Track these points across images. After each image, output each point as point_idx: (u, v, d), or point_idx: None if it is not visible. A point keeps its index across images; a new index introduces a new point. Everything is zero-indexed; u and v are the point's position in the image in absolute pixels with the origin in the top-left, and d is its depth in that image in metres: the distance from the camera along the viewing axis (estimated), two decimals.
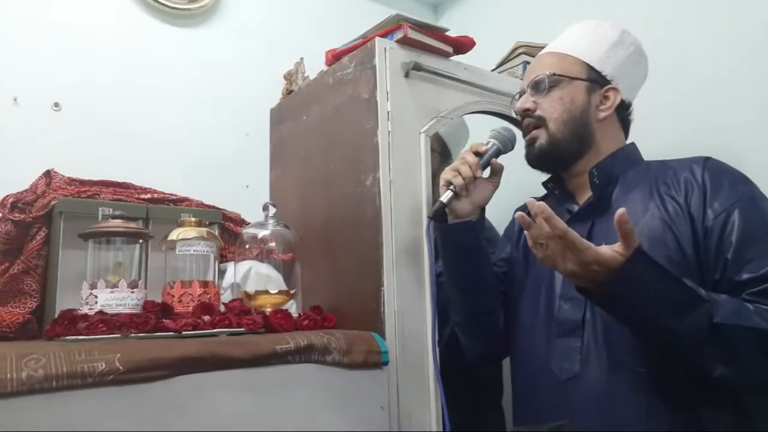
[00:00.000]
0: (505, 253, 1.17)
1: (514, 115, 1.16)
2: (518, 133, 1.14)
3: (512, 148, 1.12)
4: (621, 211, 0.76)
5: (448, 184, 1.07)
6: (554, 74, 1.02)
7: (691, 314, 0.78)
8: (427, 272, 1.17)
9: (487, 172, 1.11)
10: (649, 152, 1.08)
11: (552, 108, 1.02)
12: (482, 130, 1.50)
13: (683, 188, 0.92)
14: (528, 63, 1.48)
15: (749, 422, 0.85)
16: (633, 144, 1.08)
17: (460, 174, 1.06)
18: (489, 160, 1.10)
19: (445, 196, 1.07)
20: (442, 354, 1.13)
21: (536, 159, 1.05)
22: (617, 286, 0.79)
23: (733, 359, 0.78)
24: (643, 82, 1.11)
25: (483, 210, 1.13)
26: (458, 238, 1.09)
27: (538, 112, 1.03)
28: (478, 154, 1.09)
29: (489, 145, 1.10)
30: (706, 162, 0.95)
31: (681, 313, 0.78)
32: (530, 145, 1.05)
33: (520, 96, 1.08)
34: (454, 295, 1.14)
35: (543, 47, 1.49)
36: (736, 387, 0.82)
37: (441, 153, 1.51)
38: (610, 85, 1.03)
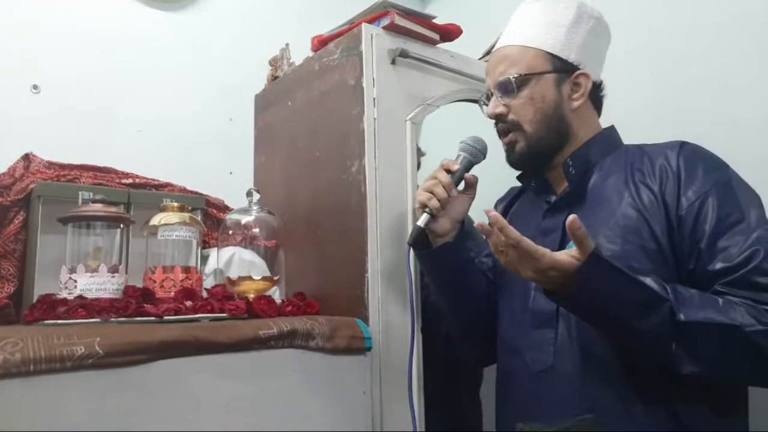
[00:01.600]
0: (488, 248, 1.17)
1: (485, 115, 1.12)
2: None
3: (484, 158, 1.09)
4: (572, 217, 0.75)
5: (423, 206, 1.04)
6: (521, 75, 0.97)
7: (652, 314, 0.78)
8: (411, 260, 1.17)
9: (461, 185, 1.08)
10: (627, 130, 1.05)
11: (524, 110, 0.98)
12: (468, 118, 1.50)
13: (658, 176, 0.90)
14: None
15: (726, 417, 0.85)
16: (611, 128, 1.04)
17: (434, 195, 1.03)
18: (462, 176, 1.07)
19: (422, 220, 1.04)
20: (439, 349, 1.13)
21: (518, 163, 1.03)
22: (575, 289, 0.79)
23: (700, 356, 0.78)
24: (606, 51, 1.05)
25: (462, 221, 1.11)
26: (439, 263, 1.08)
27: (510, 116, 1.00)
28: (449, 171, 1.05)
29: (460, 160, 1.06)
30: (681, 148, 0.92)
31: (642, 313, 0.78)
32: (510, 149, 1.02)
33: (488, 97, 1.04)
34: (447, 312, 1.13)
35: None
36: (707, 383, 0.82)
37: None
38: (578, 71, 0.98)
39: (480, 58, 1.53)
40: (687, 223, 0.86)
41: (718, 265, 0.82)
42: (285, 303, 1.15)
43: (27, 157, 1.31)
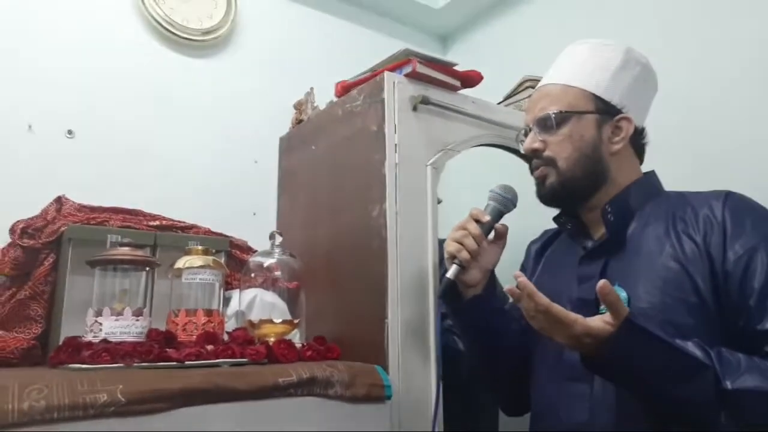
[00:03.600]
0: None
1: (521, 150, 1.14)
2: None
3: (514, 207, 1.07)
4: (601, 282, 0.73)
5: (453, 257, 1.01)
6: (561, 111, 0.96)
7: (693, 381, 0.74)
8: (431, 306, 1.17)
9: (491, 235, 1.06)
10: (664, 177, 1.03)
11: (561, 148, 0.96)
12: (489, 162, 1.51)
13: (702, 226, 0.87)
14: None
15: None
16: (652, 173, 1.02)
17: (465, 247, 1.00)
18: (492, 226, 1.04)
19: (452, 272, 1.00)
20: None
21: (548, 198, 1.01)
22: (609, 357, 0.76)
23: (749, 426, 0.74)
24: (653, 99, 1.05)
25: (492, 272, 1.09)
26: (471, 316, 1.06)
27: (546, 153, 0.98)
28: (479, 222, 1.02)
29: (489, 210, 1.04)
30: (727, 198, 0.88)
31: (681, 381, 0.75)
32: (541, 183, 1.01)
33: (525, 132, 1.03)
34: (479, 366, 1.12)
35: None
36: None
37: None
38: (621, 115, 0.97)
39: (500, 103, 1.54)
40: (734, 278, 0.82)
41: None
42: (305, 347, 1.15)
43: (59, 200, 1.35)
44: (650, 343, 0.75)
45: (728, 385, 0.74)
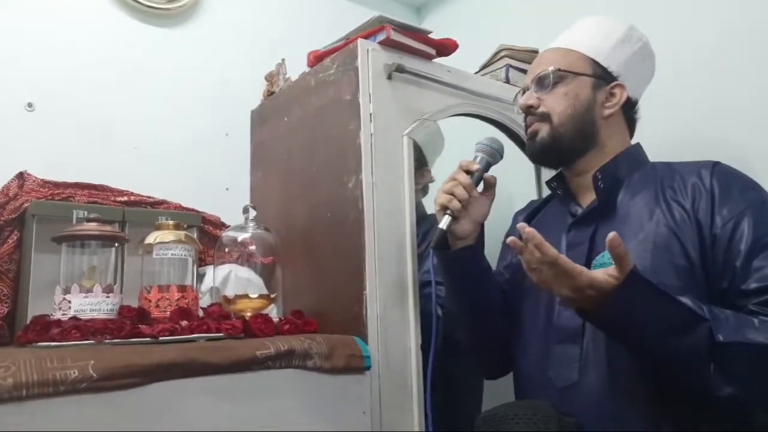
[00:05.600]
0: (507, 260, 1.15)
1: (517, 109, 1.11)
2: (505, 141, 1.10)
3: (501, 158, 1.08)
4: (612, 234, 0.74)
5: (444, 208, 1.02)
6: (559, 69, 1.00)
7: (689, 334, 0.77)
8: (410, 276, 1.16)
9: (480, 186, 1.07)
10: (650, 149, 1.06)
11: (556, 103, 1.00)
12: (464, 133, 1.50)
13: (690, 194, 0.90)
14: (511, 66, 1.48)
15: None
16: (638, 144, 1.05)
17: (455, 197, 1.01)
18: (481, 176, 1.05)
19: (444, 222, 1.01)
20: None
21: (538, 153, 1.03)
22: (612, 309, 0.78)
23: (739, 378, 0.77)
24: (649, 80, 1.09)
25: (482, 225, 1.10)
26: (460, 266, 1.06)
27: (541, 109, 1.01)
28: (469, 172, 1.04)
29: (478, 160, 1.06)
30: (715, 167, 0.92)
31: (679, 334, 0.77)
32: (531, 138, 1.03)
33: (524, 92, 1.06)
34: (464, 320, 1.12)
35: (527, 50, 1.51)
36: (743, 406, 0.81)
37: (417, 159, 1.49)
38: (616, 82, 1.01)
39: (476, 73, 1.53)
40: (721, 242, 0.85)
41: (753, 285, 0.82)
42: (282, 321, 1.14)
43: (21, 176, 1.30)
44: (652, 296, 0.77)
45: (720, 338, 0.76)
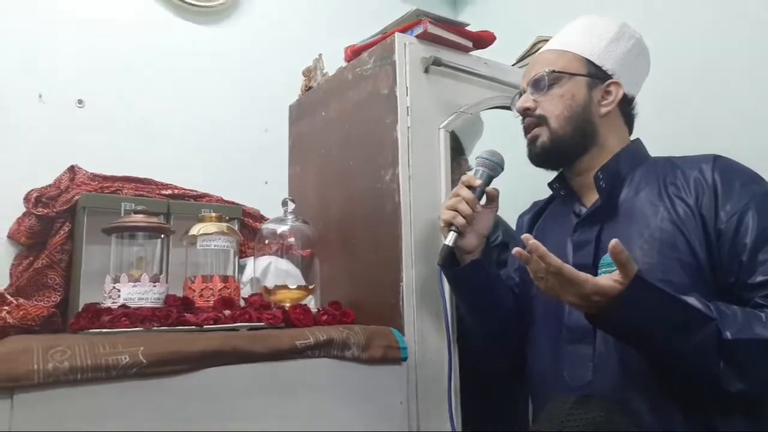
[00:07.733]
0: (516, 264, 1.15)
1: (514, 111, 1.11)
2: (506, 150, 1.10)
3: (502, 170, 1.09)
4: (614, 242, 0.74)
5: (449, 224, 1.03)
6: (553, 71, 1.00)
7: (697, 334, 0.77)
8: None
9: (483, 200, 1.07)
10: (649, 145, 1.05)
11: (552, 106, 1.00)
12: (501, 125, 1.49)
13: (693, 189, 0.90)
14: None
15: (761, 425, 0.83)
16: (638, 140, 1.05)
17: (459, 213, 1.02)
18: (483, 190, 1.06)
19: (450, 239, 1.03)
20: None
21: (538, 157, 1.03)
22: (618, 314, 0.78)
23: (749, 374, 0.77)
24: (645, 76, 1.09)
25: (487, 237, 1.11)
26: (468, 281, 1.07)
27: (538, 111, 1.01)
28: (471, 187, 1.04)
29: (479, 174, 1.06)
30: (716, 161, 0.92)
31: (686, 334, 0.77)
32: (532, 143, 1.03)
33: (520, 96, 1.06)
34: (475, 329, 1.12)
35: None
36: (755, 400, 0.81)
37: (454, 149, 1.49)
38: (611, 80, 1.01)
39: (514, 65, 1.51)
40: (726, 237, 0.85)
41: (759, 278, 0.82)
42: (321, 312, 1.16)
43: (72, 169, 1.36)
44: (658, 298, 0.77)
45: (728, 335, 0.76)
